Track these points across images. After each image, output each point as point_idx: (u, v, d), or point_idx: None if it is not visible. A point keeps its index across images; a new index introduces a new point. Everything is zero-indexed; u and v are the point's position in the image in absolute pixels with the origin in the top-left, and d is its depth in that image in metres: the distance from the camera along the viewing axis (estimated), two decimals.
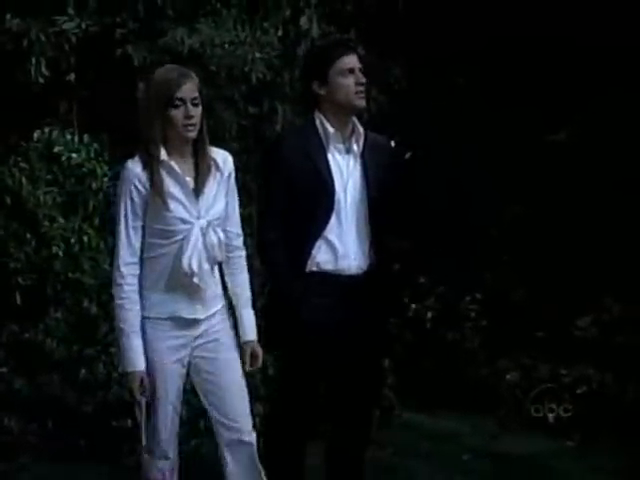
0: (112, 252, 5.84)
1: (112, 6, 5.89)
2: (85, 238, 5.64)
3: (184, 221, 3.72)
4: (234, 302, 3.95)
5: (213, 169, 3.79)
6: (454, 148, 7.01)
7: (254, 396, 5.21)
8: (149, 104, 3.73)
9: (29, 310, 5.55)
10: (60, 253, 5.48)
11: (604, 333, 6.19)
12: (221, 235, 3.77)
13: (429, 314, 7.58)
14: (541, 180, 6.72)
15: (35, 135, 5.90)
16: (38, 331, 5.46)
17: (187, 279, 3.73)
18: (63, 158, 5.84)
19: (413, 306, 7.62)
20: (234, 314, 3.98)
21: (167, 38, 5.72)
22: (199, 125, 3.73)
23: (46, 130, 5.94)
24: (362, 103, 4.00)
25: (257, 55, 5.64)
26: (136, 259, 3.75)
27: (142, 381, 3.76)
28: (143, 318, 3.77)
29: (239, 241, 3.96)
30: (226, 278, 3.95)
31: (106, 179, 5.85)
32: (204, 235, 3.73)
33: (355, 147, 4.04)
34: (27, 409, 5.38)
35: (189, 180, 3.75)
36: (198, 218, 3.73)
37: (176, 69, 3.79)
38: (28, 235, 5.54)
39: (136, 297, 3.75)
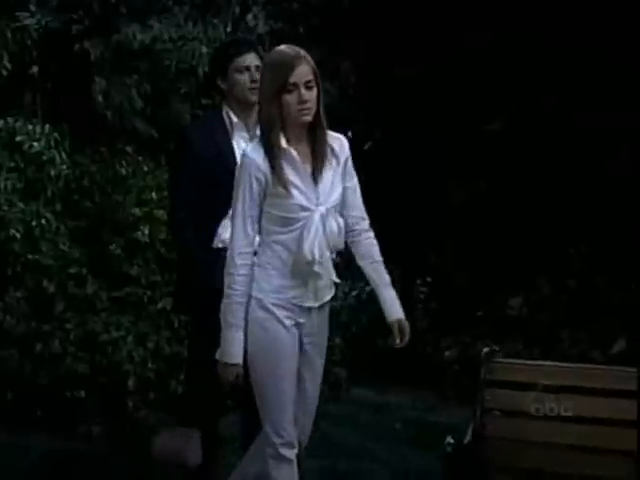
0: (73, 235, 6.32)
1: (69, 3, 6.23)
2: (43, 221, 5.99)
3: (304, 208, 3.63)
4: (373, 285, 3.82)
5: (329, 155, 3.69)
6: (399, 138, 7.36)
7: None
8: (265, 89, 3.63)
9: None
10: (18, 235, 5.81)
11: (533, 312, 6.58)
12: (341, 222, 3.69)
13: None
14: (480, 168, 7.08)
15: None
16: None
17: (307, 267, 3.64)
18: (25, 146, 6.19)
19: (367, 289, 8.00)
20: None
21: (121, 34, 6.06)
22: (315, 109, 3.61)
23: (10, 120, 6.30)
24: (255, 99, 4.28)
25: (204, 50, 5.98)
26: (251, 249, 3.66)
27: (237, 376, 3.68)
28: (256, 299, 3.66)
29: (365, 224, 3.82)
30: (358, 262, 3.82)
31: (64, 167, 6.21)
32: (324, 222, 3.65)
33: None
34: None
35: (307, 167, 3.66)
36: (317, 205, 3.65)
37: (289, 51, 3.63)
38: None
39: (246, 289, 3.64)
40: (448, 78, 6.89)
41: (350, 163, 3.77)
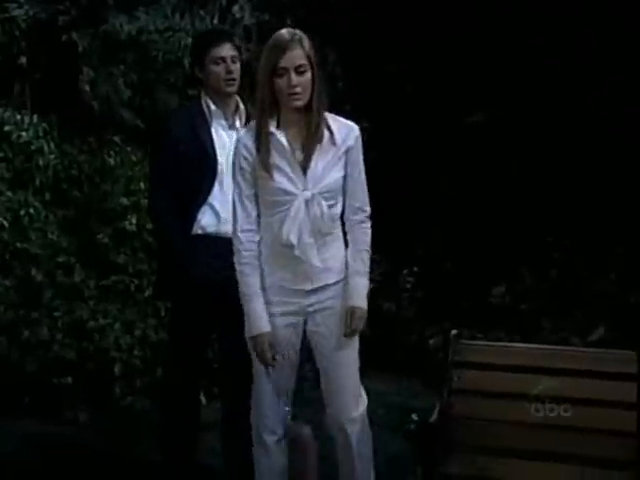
0: (62, 224, 6.40)
1: None
2: (32, 210, 6.06)
3: (287, 192, 3.62)
4: (349, 271, 3.75)
5: (326, 140, 3.63)
6: (387, 130, 7.42)
7: None
8: (259, 72, 3.63)
9: None
10: (6, 224, 5.89)
11: (516, 300, 6.68)
12: (325, 208, 3.63)
13: (370, 285, 8.03)
14: (463, 159, 7.16)
15: None
16: None
17: (288, 250, 3.64)
18: (13, 136, 6.27)
19: None
20: None
21: (108, 25, 6.13)
22: (307, 94, 3.58)
23: None
24: (230, 90, 4.37)
25: (189, 41, 6.04)
26: (254, 226, 3.67)
27: (271, 344, 3.67)
28: None
29: (362, 215, 3.76)
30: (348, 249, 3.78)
31: (53, 156, 6.29)
32: (308, 207, 3.62)
33: (238, 123, 4.37)
34: None
35: (298, 151, 3.64)
36: (304, 190, 3.62)
37: (284, 35, 3.61)
38: None
39: (256, 262, 3.67)
40: (434, 71, 6.96)
41: (356, 153, 3.70)
